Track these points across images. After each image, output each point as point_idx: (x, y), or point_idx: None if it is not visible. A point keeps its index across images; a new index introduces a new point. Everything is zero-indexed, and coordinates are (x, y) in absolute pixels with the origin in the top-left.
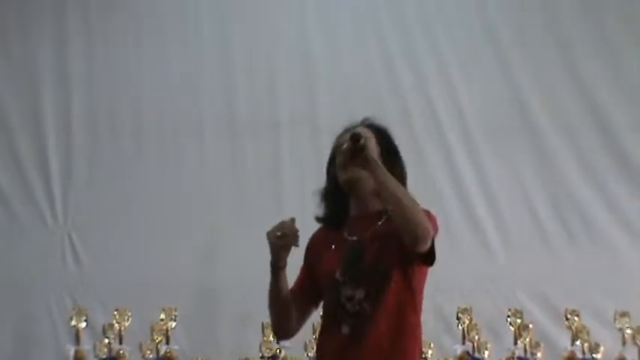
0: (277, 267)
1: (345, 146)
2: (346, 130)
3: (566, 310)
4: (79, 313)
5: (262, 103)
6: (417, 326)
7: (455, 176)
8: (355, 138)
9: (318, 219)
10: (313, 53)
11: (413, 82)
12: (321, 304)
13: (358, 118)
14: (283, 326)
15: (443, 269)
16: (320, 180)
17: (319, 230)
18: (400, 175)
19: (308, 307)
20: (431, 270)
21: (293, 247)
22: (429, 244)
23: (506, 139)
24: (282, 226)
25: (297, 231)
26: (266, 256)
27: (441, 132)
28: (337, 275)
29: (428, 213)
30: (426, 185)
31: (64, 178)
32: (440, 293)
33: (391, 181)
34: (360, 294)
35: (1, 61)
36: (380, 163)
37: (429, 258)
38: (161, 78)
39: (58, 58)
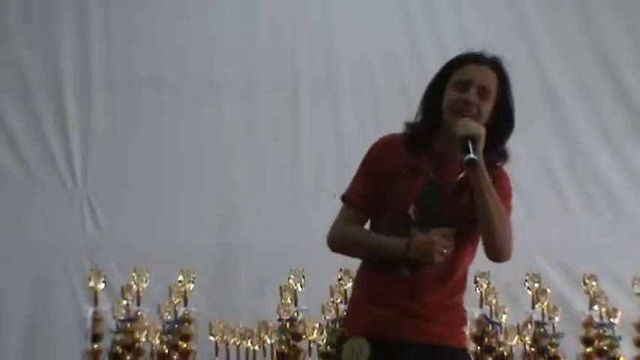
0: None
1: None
2: (472, 56)
3: (584, 274)
4: (97, 274)
5: (282, 63)
6: (466, 281)
7: None
8: (468, 155)
9: (408, 125)
10: (334, 18)
11: (434, 52)
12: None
13: (377, 83)
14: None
15: None
16: (338, 143)
17: (392, 140)
18: (505, 132)
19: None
20: None
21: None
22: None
23: (526, 108)
24: (447, 243)
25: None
26: (285, 218)
27: None
28: (410, 211)
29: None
30: None
31: (84, 141)
32: None
33: (491, 197)
34: None
35: (19, 21)
36: (485, 172)
37: None
38: (180, 36)
39: (76, 16)
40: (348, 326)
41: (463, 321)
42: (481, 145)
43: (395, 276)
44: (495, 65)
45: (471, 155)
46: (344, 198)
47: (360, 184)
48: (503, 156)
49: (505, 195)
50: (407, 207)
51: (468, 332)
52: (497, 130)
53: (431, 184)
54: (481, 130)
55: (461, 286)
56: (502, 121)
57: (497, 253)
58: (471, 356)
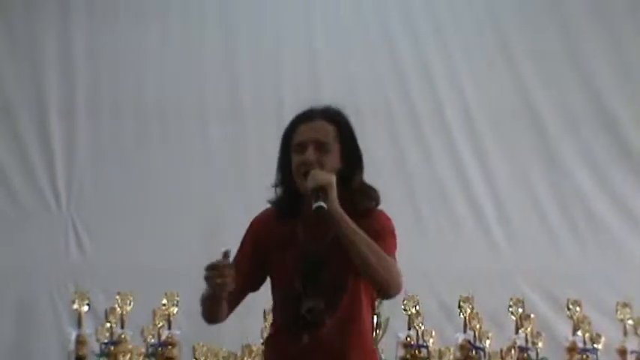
0: (219, 298)
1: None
2: (303, 116)
3: (567, 300)
4: (82, 296)
5: (266, 88)
6: (367, 322)
7: (459, 168)
8: (316, 203)
9: (271, 202)
10: (318, 44)
11: (418, 75)
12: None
13: (363, 111)
14: (217, 321)
15: (446, 259)
16: None
17: (266, 216)
18: (360, 175)
19: (245, 296)
20: (434, 260)
21: None
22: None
23: (511, 134)
24: (221, 272)
25: (233, 274)
26: None
27: (446, 127)
28: (296, 285)
29: (387, 233)
30: (431, 178)
31: (68, 163)
32: (442, 282)
33: (357, 237)
34: (320, 305)
35: (4, 43)
36: (345, 216)
37: None
38: (164, 60)
39: (60, 39)
40: None
41: None
42: (334, 192)
43: (298, 349)
44: (328, 115)
45: (318, 203)
46: None
47: (240, 271)
48: (371, 197)
49: (379, 234)
50: (291, 281)
51: (451, 357)
52: (351, 174)
53: (307, 252)
54: (330, 178)
55: (357, 340)
56: (352, 164)
57: (385, 288)
58: None
